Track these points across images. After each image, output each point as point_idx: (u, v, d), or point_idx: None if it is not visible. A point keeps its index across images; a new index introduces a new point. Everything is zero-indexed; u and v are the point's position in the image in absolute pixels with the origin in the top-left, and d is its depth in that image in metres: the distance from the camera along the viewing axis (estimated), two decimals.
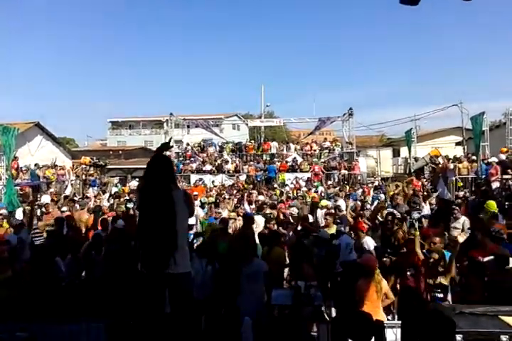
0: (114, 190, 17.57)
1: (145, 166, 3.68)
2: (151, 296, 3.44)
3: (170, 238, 3.39)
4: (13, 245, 6.62)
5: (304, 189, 16.53)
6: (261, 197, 13.42)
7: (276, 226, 8.03)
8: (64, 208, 11.76)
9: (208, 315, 5.42)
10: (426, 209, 10.72)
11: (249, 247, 5.61)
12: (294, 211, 10.45)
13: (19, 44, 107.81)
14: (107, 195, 15.62)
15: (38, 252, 6.32)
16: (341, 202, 12.11)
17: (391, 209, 9.79)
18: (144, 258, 3.42)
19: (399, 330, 4.29)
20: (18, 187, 15.22)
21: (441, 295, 5.26)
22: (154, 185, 3.50)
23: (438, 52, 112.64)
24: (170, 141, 4.28)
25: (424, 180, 16.57)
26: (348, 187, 16.18)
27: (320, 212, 10.74)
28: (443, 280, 5.32)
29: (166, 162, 3.69)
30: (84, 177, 19.36)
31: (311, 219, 9.30)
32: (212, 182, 18.72)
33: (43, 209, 11.12)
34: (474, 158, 15.65)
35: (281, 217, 9.22)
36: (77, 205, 12.28)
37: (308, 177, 18.93)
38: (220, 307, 5.55)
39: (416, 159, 21.41)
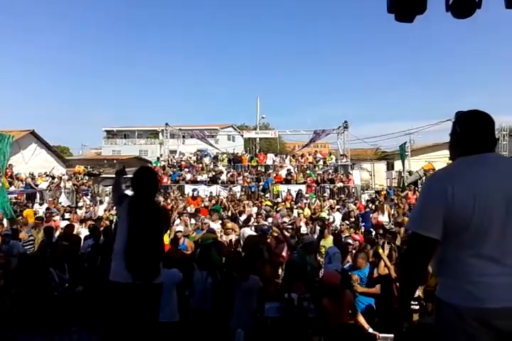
0: (107, 199, 17.45)
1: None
2: (143, 306, 3.40)
3: (159, 249, 3.59)
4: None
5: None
6: (254, 209, 13.36)
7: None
8: (66, 216, 11.98)
9: (207, 326, 5.39)
10: None
11: (247, 264, 5.60)
12: (286, 220, 10.41)
13: (16, 50, 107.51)
14: (104, 205, 15.51)
15: (28, 261, 6.24)
16: (337, 215, 12.21)
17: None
18: (135, 269, 3.37)
19: None
20: (13, 195, 15.10)
21: (417, 307, 5.21)
22: (144, 198, 3.65)
23: (435, 67, 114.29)
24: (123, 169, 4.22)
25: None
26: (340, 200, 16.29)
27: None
28: (419, 292, 5.26)
29: (155, 175, 3.99)
30: (77, 186, 19.25)
31: (304, 230, 9.24)
32: (210, 193, 18.56)
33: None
34: None
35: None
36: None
37: (299, 189, 18.77)
38: (219, 319, 5.52)
39: (410, 173, 21.56)
